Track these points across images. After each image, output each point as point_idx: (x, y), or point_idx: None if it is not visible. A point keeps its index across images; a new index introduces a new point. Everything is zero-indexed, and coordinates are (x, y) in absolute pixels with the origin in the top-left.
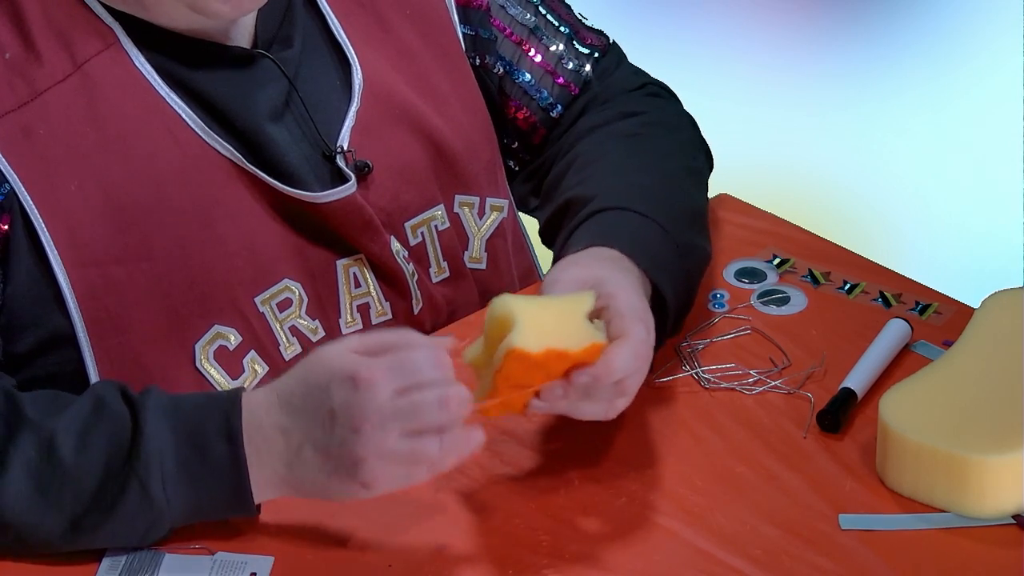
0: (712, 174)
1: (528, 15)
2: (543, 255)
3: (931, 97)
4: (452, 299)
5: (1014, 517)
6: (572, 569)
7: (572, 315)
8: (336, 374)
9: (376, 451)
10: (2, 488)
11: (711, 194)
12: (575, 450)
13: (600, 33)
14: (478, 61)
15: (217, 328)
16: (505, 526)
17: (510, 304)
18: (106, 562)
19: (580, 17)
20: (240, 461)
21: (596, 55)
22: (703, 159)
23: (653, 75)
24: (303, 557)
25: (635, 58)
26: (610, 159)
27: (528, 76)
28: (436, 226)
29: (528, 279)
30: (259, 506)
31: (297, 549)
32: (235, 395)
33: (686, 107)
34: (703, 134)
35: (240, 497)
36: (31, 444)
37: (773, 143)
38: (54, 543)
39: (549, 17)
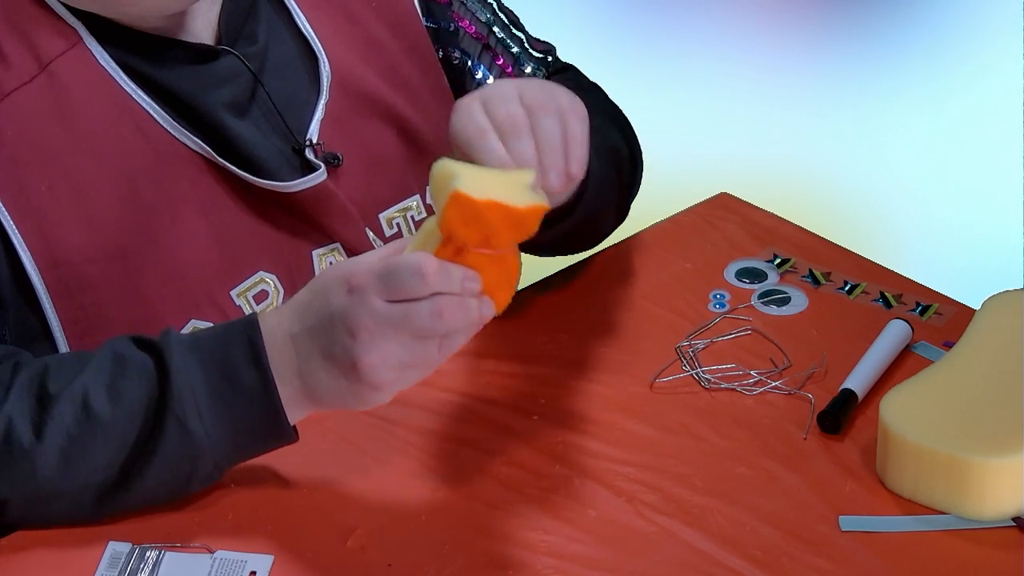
0: (712, 174)
1: (488, 15)
2: None
3: (931, 97)
4: None
5: (1014, 519)
6: (572, 569)
7: (515, 182)
8: (334, 278)
9: (377, 355)
10: (39, 460)
11: (711, 194)
12: (575, 450)
13: (547, 43)
14: (441, 53)
15: (195, 323)
16: (505, 526)
17: (451, 164)
18: (106, 560)
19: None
20: (270, 384)
21: (549, 59)
22: (633, 139)
23: (654, 75)
24: (303, 556)
25: (635, 58)
26: None
27: (488, 74)
28: (412, 216)
29: None
30: (296, 430)
31: (297, 548)
32: (252, 318)
33: (686, 107)
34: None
35: (275, 421)
36: (68, 411)
37: (773, 143)
38: (106, 502)
39: (506, 20)
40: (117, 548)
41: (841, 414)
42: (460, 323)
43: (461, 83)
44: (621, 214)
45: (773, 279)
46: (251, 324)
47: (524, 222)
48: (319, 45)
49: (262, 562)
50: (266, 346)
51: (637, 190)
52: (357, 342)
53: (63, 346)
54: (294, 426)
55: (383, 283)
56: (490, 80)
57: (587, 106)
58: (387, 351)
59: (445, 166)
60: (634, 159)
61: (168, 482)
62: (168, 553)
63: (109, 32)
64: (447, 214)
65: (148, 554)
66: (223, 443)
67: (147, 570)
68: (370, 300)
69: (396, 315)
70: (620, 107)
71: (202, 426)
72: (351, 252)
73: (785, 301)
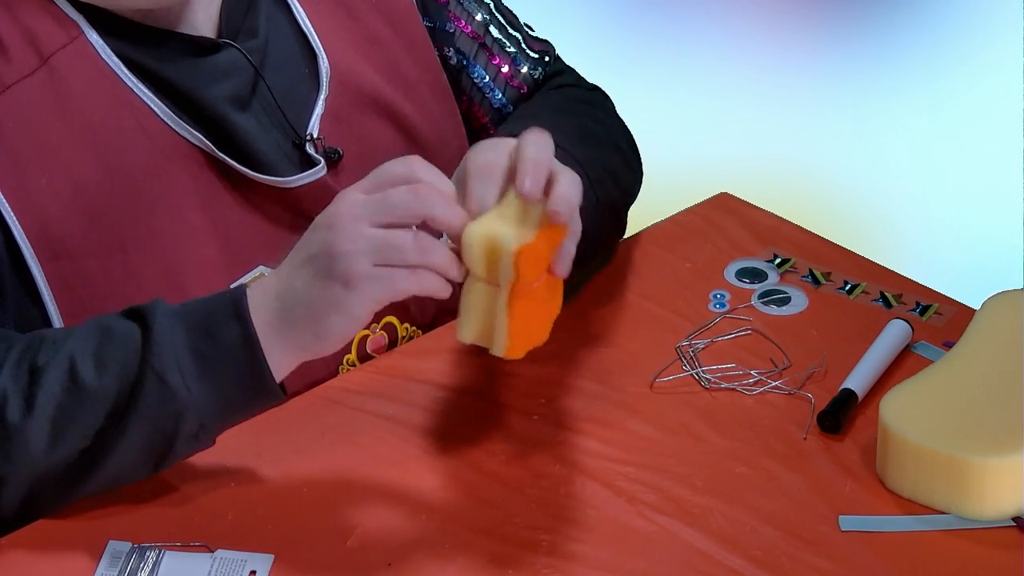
0: (712, 174)
1: (484, 15)
2: None
3: (931, 97)
4: None
5: (1014, 519)
6: (572, 569)
7: (524, 206)
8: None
9: (349, 238)
10: (31, 432)
11: (711, 194)
12: (575, 450)
13: (546, 42)
14: (437, 52)
15: None
16: (505, 526)
17: (485, 226)
18: (106, 559)
19: (527, 27)
20: (251, 337)
21: (546, 59)
22: (633, 155)
23: (653, 75)
24: (303, 555)
25: (635, 58)
26: (539, 117)
27: (484, 74)
28: None
29: None
30: (284, 388)
31: (297, 547)
32: (241, 286)
33: (686, 107)
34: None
35: (258, 374)
36: (56, 380)
37: (773, 143)
38: (92, 469)
39: (502, 20)
40: (117, 547)
41: (841, 414)
42: (435, 210)
43: (458, 82)
44: (619, 232)
45: (773, 279)
46: (239, 288)
47: (558, 236)
48: (318, 41)
49: (262, 562)
50: (252, 296)
51: (633, 199)
52: (333, 230)
53: None
54: (281, 384)
55: (368, 179)
56: (487, 80)
57: (593, 137)
58: (361, 237)
59: (481, 231)
60: (630, 192)
61: (151, 441)
62: (168, 552)
63: (110, 25)
64: (522, 271)
65: (148, 553)
66: (206, 400)
67: (147, 569)
68: (351, 193)
69: (375, 199)
70: (619, 113)
71: (183, 382)
72: None
73: (785, 301)
